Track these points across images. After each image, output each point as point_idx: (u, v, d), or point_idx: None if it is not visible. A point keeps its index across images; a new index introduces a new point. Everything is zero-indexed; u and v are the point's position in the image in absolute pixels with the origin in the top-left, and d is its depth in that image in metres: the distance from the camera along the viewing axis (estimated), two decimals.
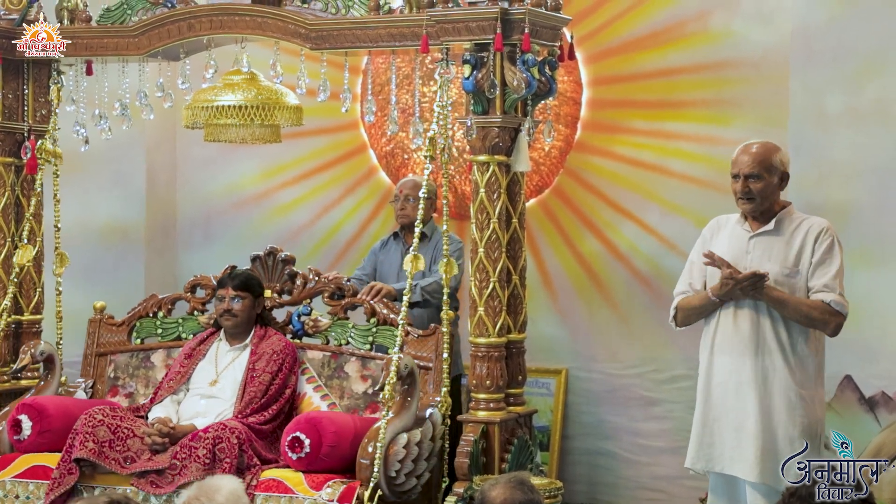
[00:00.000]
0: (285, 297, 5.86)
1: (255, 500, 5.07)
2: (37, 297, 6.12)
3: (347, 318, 5.78)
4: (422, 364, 5.46)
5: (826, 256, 4.62)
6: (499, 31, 5.16)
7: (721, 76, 6.44)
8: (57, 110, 6.01)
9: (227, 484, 3.52)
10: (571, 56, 5.66)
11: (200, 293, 6.00)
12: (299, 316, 5.82)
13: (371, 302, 5.71)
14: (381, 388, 5.04)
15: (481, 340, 5.33)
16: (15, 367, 5.75)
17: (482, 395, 5.32)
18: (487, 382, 5.31)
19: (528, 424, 5.56)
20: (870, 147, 5.89)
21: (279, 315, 5.90)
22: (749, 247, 4.69)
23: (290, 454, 5.10)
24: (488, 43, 5.22)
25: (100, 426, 5.29)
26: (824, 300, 4.59)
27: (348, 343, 5.73)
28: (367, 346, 5.68)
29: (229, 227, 7.52)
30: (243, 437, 5.15)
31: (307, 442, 5.06)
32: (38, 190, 5.97)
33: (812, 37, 5.99)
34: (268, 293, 5.83)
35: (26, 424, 5.49)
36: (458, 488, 5.13)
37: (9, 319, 5.95)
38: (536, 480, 4.69)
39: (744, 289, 4.57)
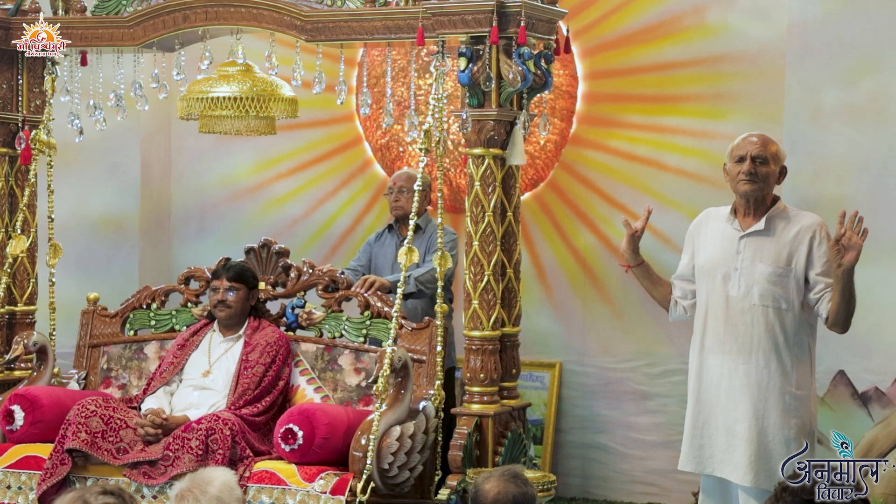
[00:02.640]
0: (279, 290, 5.84)
1: (248, 491, 5.06)
2: (30, 287, 6.11)
3: (341, 311, 5.76)
4: (415, 357, 5.43)
5: (826, 257, 4.60)
6: (495, 23, 5.15)
7: (717, 71, 6.44)
8: (51, 101, 5.99)
9: (219, 476, 3.51)
10: (567, 49, 5.66)
11: (194, 285, 5.98)
12: (293, 308, 5.81)
13: (365, 295, 5.71)
14: (375, 381, 5.04)
15: (475, 333, 5.33)
16: (8, 357, 5.76)
17: (476, 389, 5.32)
18: (481, 375, 5.31)
19: (522, 418, 5.56)
20: (865, 143, 5.89)
21: (273, 307, 5.88)
22: (739, 247, 4.65)
23: (283, 446, 5.10)
24: (484, 36, 5.21)
25: (92, 417, 5.27)
26: None
27: (342, 336, 5.70)
28: (361, 339, 5.67)
29: (224, 219, 7.52)
30: (236, 428, 5.15)
31: (300, 434, 5.06)
32: (32, 181, 5.95)
33: (808, 32, 5.99)
34: (262, 285, 5.81)
35: (19, 415, 5.48)
36: (452, 481, 5.13)
37: (2, 310, 5.94)
38: (530, 474, 4.70)
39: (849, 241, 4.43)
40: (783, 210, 4.67)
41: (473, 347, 5.34)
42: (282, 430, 5.09)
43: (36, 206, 6.09)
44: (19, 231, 5.91)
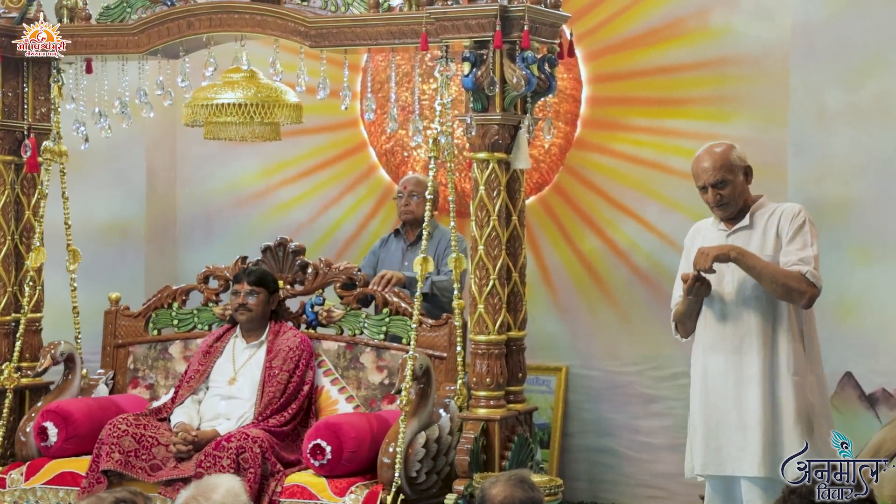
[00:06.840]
0: (298, 288, 5.90)
1: None
2: (37, 295, 6.11)
3: (360, 308, 5.82)
4: (435, 354, 5.51)
5: (798, 233, 4.62)
6: (498, 28, 5.16)
7: (721, 73, 6.43)
8: (59, 109, 6.00)
9: (224, 482, 3.50)
10: (571, 53, 5.66)
11: (213, 284, 6.05)
12: (312, 306, 5.86)
13: (382, 292, 5.74)
14: (399, 392, 5.09)
15: (481, 338, 5.33)
16: (37, 370, 5.83)
17: (482, 393, 5.32)
18: (487, 380, 5.31)
19: (529, 422, 5.56)
20: (870, 144, 5.89)
21: (292, 305, 5.94)
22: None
23: (312, 461, 5.19)
24: (488, 40, 5.22)
25: (124, 436, 5.38)
26: (801, 271, 4.58)
27: (362, 333, 5.77)
28: (381, 336, 5.73)
29: (229, 225, 7.52)
30: (265, 445, 5.24)
31: (328, 449, 5.15)
32: (44, 190, 5.94)
33: (812, 33, 5.99)
34: (280, 283, 5.86)
35: (52, 431, 5.59)
36: (459, 486, 5.13)
37: (26, 317, 5.95)
38: (537, 478, 4.69)
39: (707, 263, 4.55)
40: (766, 205, 4.72)
41: (479, 352, 5.34)
42: (310, 446, 5.18)
43: (42, 214, 6.08)
44: (38, 243, 5.90)
